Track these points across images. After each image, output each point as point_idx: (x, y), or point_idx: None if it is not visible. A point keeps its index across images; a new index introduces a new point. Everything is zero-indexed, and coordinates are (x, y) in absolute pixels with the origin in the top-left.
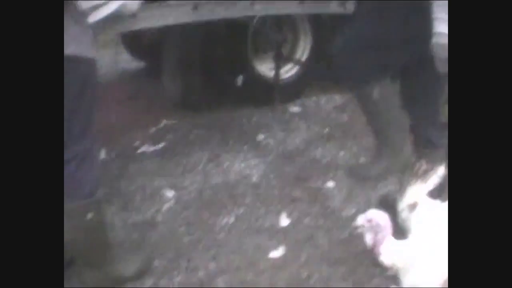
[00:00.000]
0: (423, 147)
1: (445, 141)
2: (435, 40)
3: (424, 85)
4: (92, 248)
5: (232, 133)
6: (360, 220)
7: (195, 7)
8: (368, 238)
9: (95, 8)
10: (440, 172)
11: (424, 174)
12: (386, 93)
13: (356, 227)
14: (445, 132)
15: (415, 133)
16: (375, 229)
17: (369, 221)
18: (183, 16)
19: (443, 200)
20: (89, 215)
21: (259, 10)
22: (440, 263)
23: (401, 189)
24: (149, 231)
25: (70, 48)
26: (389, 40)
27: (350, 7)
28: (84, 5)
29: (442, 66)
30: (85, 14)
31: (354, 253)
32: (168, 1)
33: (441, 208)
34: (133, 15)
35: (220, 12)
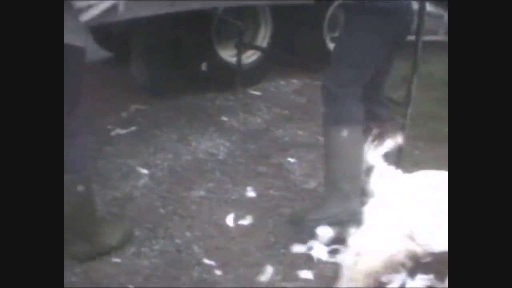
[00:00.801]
0: (372, 121)
1: (387, 113)
2: None
3: (379, 72)
4: (82, 220)
5: (198, 116)
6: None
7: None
8: None
9: (89, 7)
10: (397, 139)
11: (377, 137)
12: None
13: None
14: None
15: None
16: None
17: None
18: (160, 8)
19: (397, 166)
20: (80, 188)
21: (228, 1)
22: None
23: None
24: (127, 205)
25: (67, 37)
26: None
27: None
28: (79, 4)
29: None
30: (80, 10)
31: None
32: None
33: (396, 173)
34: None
35: (194, 4)
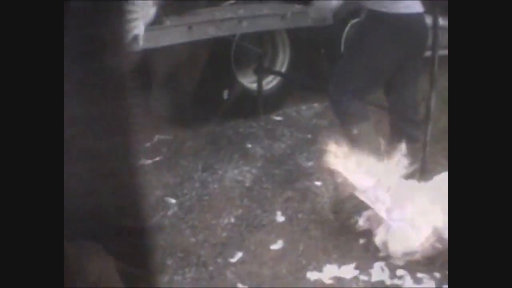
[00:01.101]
0: (400, 141)
1: (419, 135)
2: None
3: (405, 88)
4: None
5: (222, 144)
6: (361, 222)
7: (190, 28)
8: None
9: None
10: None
11: (389, 153)
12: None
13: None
14: (420, 128)
15: (394, 128)
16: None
17: (368, 219)
18: (179, 37)
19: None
20: None
21: (246, 27)
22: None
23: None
24: (157, 235)
25: None
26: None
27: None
28: None
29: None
30: None
31: (344, 241)
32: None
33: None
34: (136, 40)
35: (211, 31)
